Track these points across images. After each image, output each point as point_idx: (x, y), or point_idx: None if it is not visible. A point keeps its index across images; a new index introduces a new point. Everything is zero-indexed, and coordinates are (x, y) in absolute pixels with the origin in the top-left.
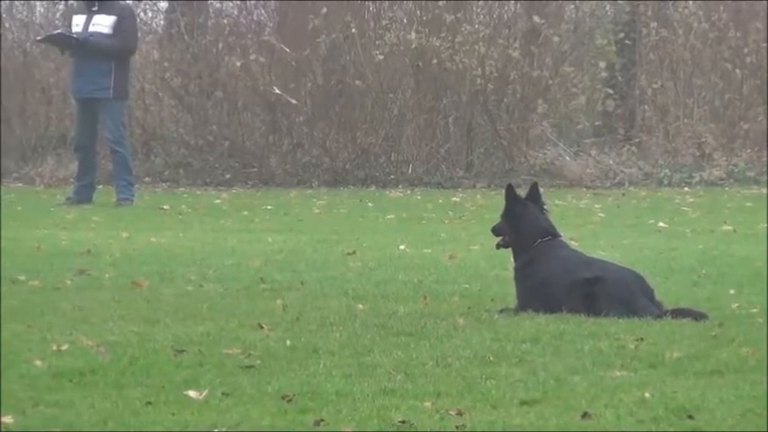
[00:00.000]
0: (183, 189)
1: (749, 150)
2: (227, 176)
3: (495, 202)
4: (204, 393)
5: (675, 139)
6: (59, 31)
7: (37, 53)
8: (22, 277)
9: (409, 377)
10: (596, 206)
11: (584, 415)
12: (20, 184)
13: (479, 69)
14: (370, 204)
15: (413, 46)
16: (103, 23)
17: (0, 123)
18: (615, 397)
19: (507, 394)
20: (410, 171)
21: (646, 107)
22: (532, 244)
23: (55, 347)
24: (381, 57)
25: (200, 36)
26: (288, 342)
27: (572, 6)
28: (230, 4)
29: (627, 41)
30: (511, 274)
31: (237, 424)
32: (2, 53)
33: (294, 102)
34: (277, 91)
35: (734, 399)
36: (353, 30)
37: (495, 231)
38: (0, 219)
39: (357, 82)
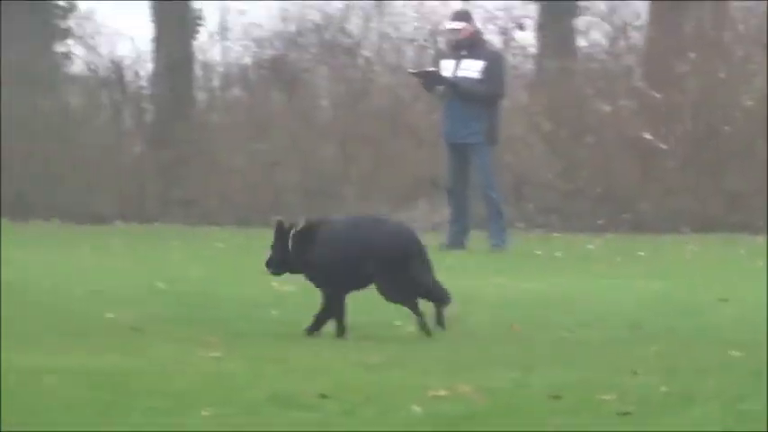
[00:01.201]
0: (556, 234)
1: None
2: (600, 222)
3: None
4: None
5: None
6: (433, 69)
7: (408, 97)
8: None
9: None
10: None
11: None
12: None
13: None
14: (741, 251)
15: None
16: (472, 68)
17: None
18: None
19: None
20: None
21: None
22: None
23: (433, 393)
24: (751, 102)
25: (569, 81)
26: (663, 388)
27: None
28: (599, 48)
29: None
30: None
31: None
32: (372, 96)
33: (664, 147)
34: (647, 136)
35: None
36: (722, 75)
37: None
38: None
39: (726, 127)
